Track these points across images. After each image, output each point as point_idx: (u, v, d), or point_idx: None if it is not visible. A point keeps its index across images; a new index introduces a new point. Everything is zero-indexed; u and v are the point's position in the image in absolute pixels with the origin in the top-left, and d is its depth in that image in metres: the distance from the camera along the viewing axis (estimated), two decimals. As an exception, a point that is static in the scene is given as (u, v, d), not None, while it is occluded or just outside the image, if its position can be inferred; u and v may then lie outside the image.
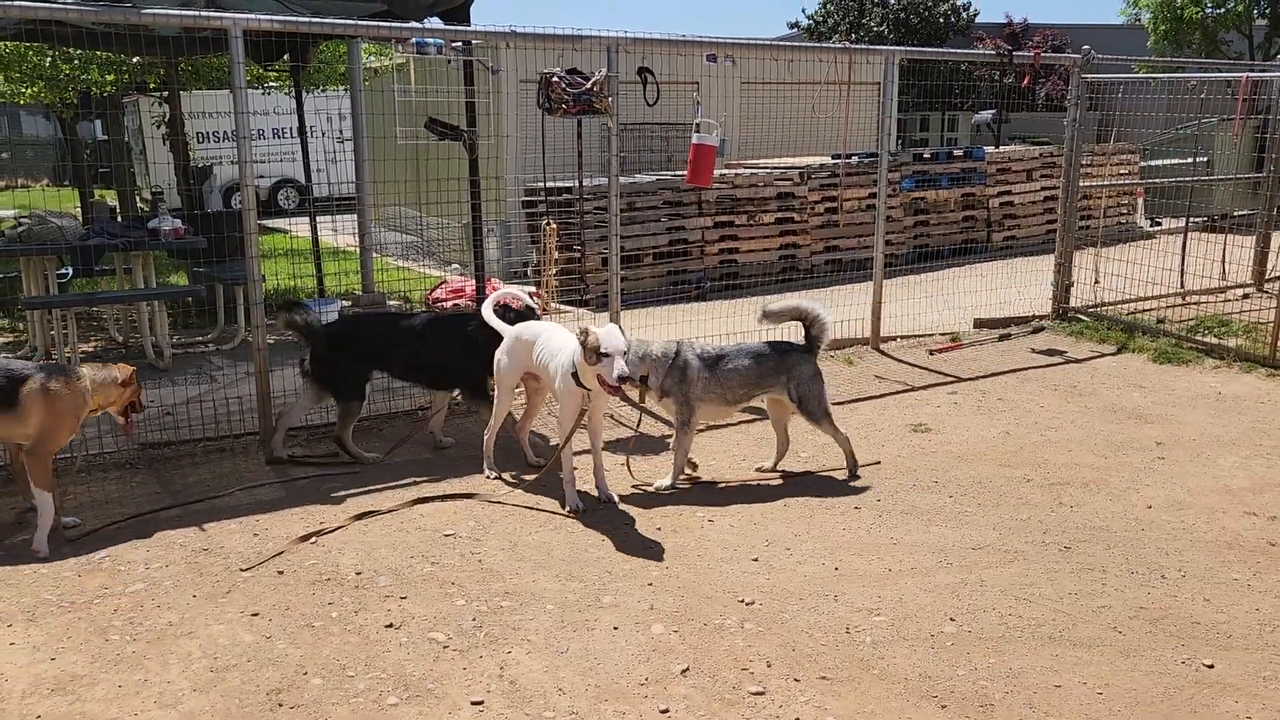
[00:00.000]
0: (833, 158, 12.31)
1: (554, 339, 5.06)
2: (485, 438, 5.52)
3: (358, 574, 4.27)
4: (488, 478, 5.42)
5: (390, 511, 4.95)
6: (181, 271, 11.15)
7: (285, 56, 9.10)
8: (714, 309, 9.33)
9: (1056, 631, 3.79)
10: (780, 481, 5.38)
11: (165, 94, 11.34)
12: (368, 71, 11.99)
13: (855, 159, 12.19)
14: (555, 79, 6.35)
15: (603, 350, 4.55)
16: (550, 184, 10.05)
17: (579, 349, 4.67)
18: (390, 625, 3.84)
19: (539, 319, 5.71)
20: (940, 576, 4.24)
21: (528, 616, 3.92)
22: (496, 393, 5.41)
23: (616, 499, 5.05)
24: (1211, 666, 3.54)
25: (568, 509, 4.93)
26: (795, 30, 34.26)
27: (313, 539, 4.61)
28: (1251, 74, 8.46)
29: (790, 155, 13.15)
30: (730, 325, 8.12)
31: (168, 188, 14.85)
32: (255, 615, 3.92)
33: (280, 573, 4.29)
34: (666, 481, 5.25)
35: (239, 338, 8.50)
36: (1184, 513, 4.88)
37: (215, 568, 4.34)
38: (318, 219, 10.01)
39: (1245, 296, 9.46)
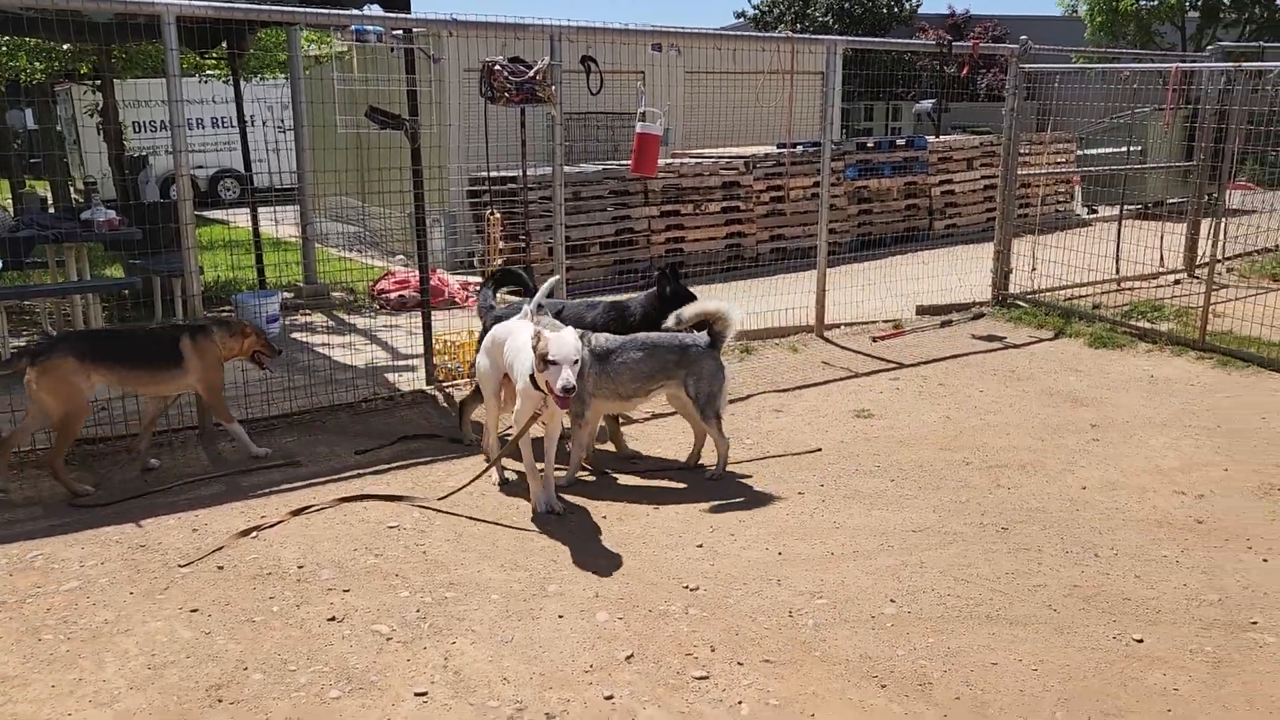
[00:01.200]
0: (778, 147, 12.40)
1: (519, 337, 4.85)
2: (485, 440, 5.33)
3: (300, 568, 4.23)
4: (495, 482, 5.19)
5: (324, 509, 4.90)
6: (117, 264, 10.90)
7: (223, 44, 8.93)
8: (661, 298, 9.35)
9: (994, 610, 3.87)
10: (727, 469, 5.41)
11: (98, 82, 11.05)
12: (308, 60, 11.78)
13: (800, 148, 12.28)
14: (498, 67, 6.30)
15: (550, 358, 4.38)
16: (495, 174, 9.98)
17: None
18: (333, 618, 3.81)
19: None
20: (881, 559, 4.31)
21: (472, 607, 3.91)
22: (484, 395, 5.22)
23: (559, 510, 4.80)
24: (1141, 641, 3.65)
25: (538, 508, 4.77)
26: (742, 20, 34.36)
27: (253, 533, 4.55)
28: (1181, 64, 8.67)
29: (736, 145, 13.21)
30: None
31: (102, 178, 14.51)
32: (194, 611, 3.86)
33: (220, 568, 4.23)
34: (564, 475, 5.18)
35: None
36: (1117, 493, 5.01)
37: (153, 564, 4.26)
38: (259, 210, 9.84)
39: (1177, 282, 9.73)
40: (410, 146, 6.46)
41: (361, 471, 5.37)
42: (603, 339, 5.17)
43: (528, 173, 7.54)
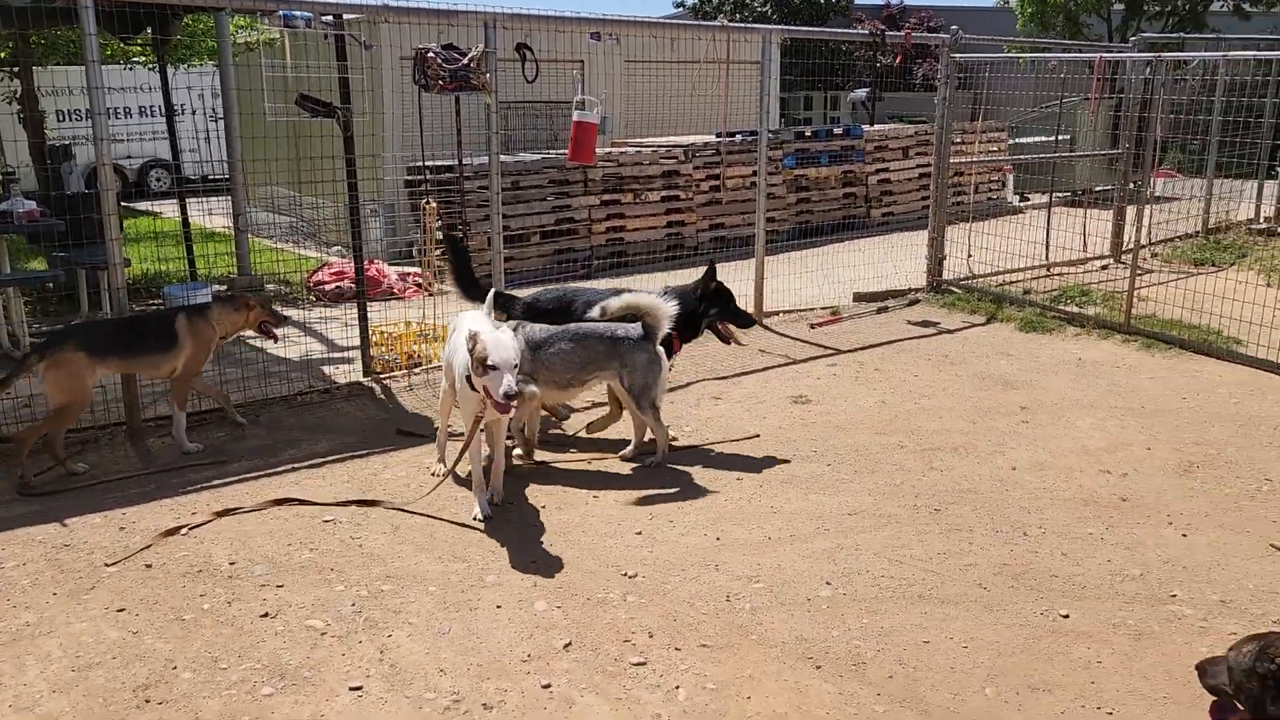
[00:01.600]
0: (716, 136, 12.44)
1: (460, 332, 4.68)
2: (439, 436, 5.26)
3: (231, 564, 4.15)
4: (433, 472, 5.10)
5: (251, 511, 4.81)
6: (40, 256, 10.57)
7: (147, 29, 8.68)
8: (600, 285, 9.35)
9: (926, 590, 3.95)
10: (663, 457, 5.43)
11: (16, 69, 10.67)
12: (239, 47, 11.50)
13: (738, 137, 12.33)
14: (431, 54, 6.23)
15: (490, 363, 4.18)
16: (432, 163, 9.88)
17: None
18: (266, 614, 3.75)
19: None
20: (818, 542, 4.36)
21: (409, 599, 3.88)
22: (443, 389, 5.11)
23: (486, 514, 4.61)
24: (1067, 616, 3.75)
25: (473, 515, 4.61)
26: (681, 9, 34.37)
27: (182, 531, 4.45)
28: (1106, 55, 8.87)
29: (676, 134, 13.23)
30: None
31: (23, 168, 14.03)
32: (121, 611, 3.77)
33: (148, 566, 4.14)
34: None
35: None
36: (1045, 473, 5.13)
37: (78, 564, 4.16)
38: (191, 200, 9.60)
39: (1104, 267, 9.97)
40: (343, 135, 6.36)
41: (296, 466, 5.29)
42: (537, 329, 5.14)
43: (466, 162, 7.49)
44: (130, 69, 16.13)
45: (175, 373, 5.45)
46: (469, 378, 4.38)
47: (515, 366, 4.25)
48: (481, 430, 4.62)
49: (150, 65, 12.82)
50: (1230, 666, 2.50)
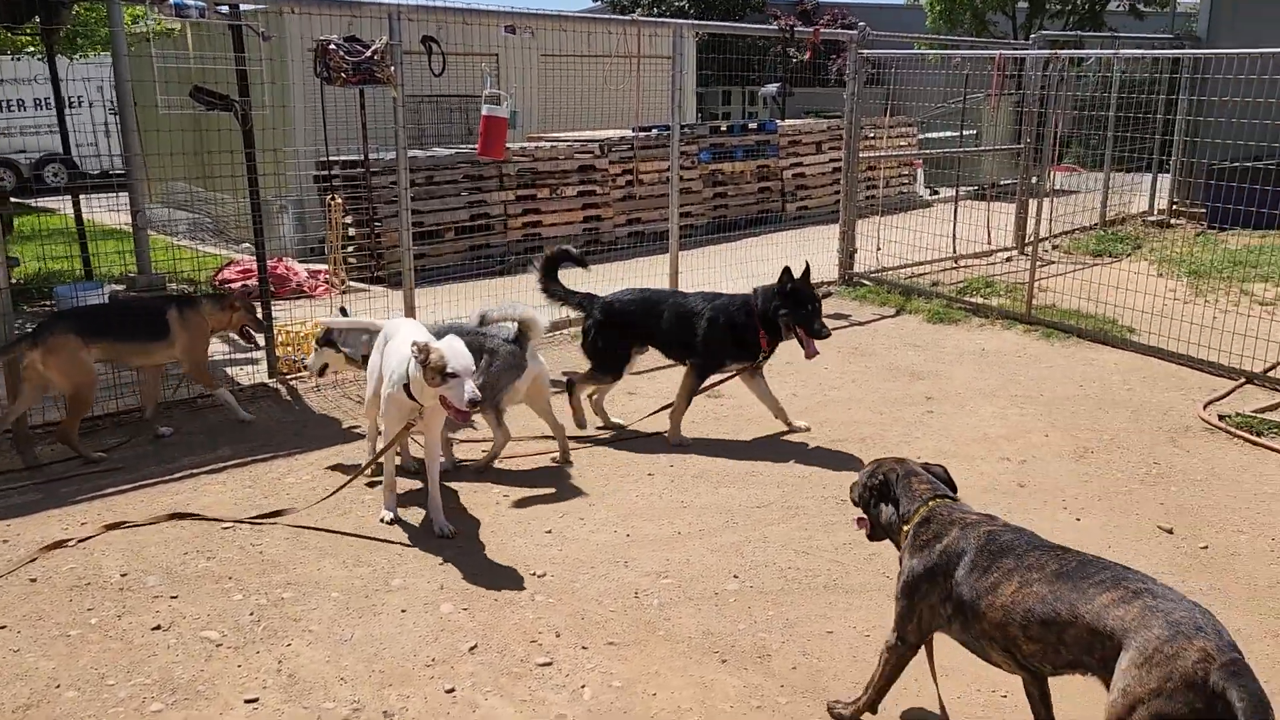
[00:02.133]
0: (633, 130, 12.43)
1: (401, 337, 4.49)
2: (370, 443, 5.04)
3: (123, 576, 4.00)
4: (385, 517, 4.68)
5: (142, 525, 4.65)
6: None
7: (35, 18, 8.30)
8: (517, 283, 9.26)
9: (831, 580, 4.00)
10: (578, 455, 5.41)
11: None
12: (134, 37, 11.09)
13: (654, 132, 12.35)
14: (333, 46, 6.09)
15: (450, 370, 4.04)
16: (341, 158, 9.67)
17: (414, 362, 4.16)
18: (158, 627, 3.62)
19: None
20: (726, 536, 4.39)
21: (310, 606, 3.79)
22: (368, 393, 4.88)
23: (450, 532, 4.39)
24: (966, 602, 3.83)
25: (380, 518, 4.50)
26: (599, 4, 34.28)
27: (70, 543, 4.27)
28: (1005, 52, 9.10)
29: (593, 128, 13.19)
30: (535, 298, 8.07)
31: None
32: (2, 628, 3.61)
33: (33, 580, 3.96)
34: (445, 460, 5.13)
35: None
36: (949, 461, 5.14)
37: (-44, 580, 3.96)
38: (90, 196, 9.22)
39: (1008, 259, 10.25)
40: (241, 129, 6.17)
41: (195, 472, 5.13)
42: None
43: (379, 156, 7.33)
44: (17, 59, 15.46)
45: (179, 363, 5.64)
46: (406, 386, 4.21)
47: (473, 373, 4.14)
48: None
49: (40, 56, 12.31)
50: (856, 484, 3.25)
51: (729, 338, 5.54)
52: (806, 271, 5.65)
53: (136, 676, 3.32)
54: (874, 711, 3.10)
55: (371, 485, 4.86)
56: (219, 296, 5.87)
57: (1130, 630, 2.32)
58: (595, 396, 5.93)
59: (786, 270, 5.62)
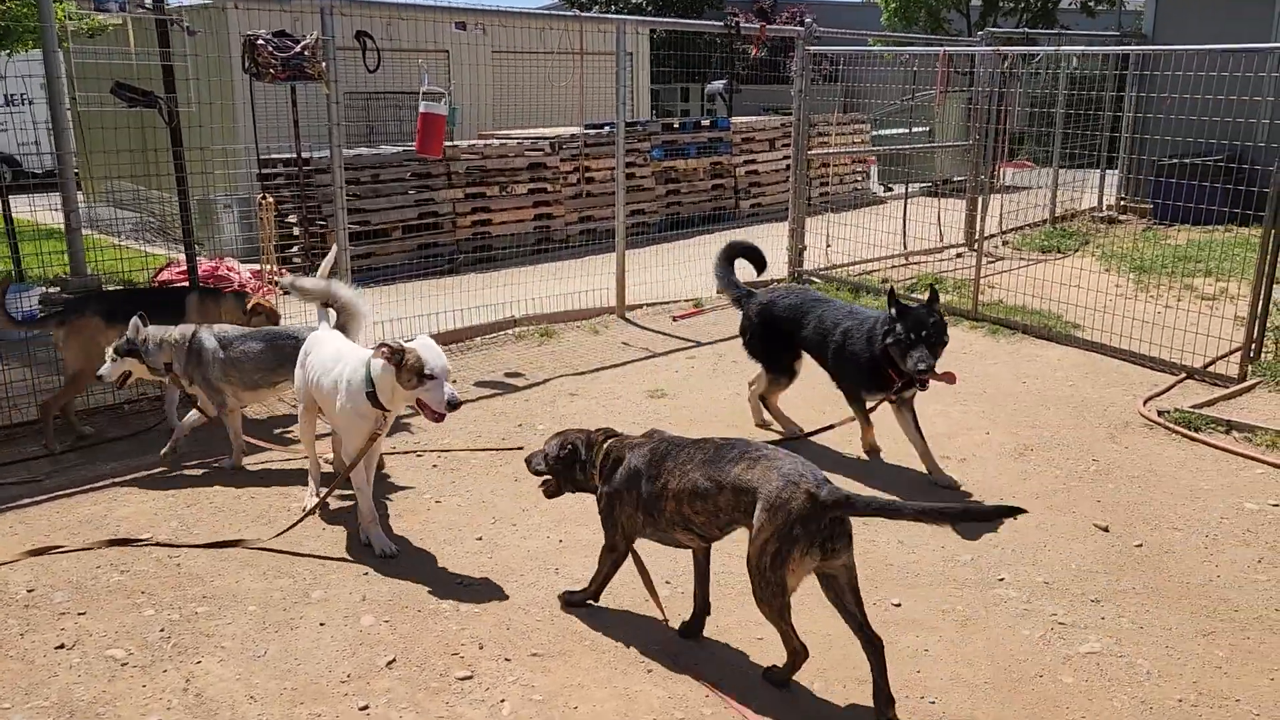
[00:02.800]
0: (585, 127, 12.32)
1: (326, 348, 4.34)
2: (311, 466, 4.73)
3: (30, 591, 3.84)
4: (305, 508, 4.51)
5: (77, 551, 4.48)
6: None
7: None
8: (466, 282, 9.13)
9: (764, 585, 3.92)
10: (515, 457, 5.30)
11: None
12: (74, 33, 10.79)
13: (605, 129, 12.25)
14: (260, 42, 5.93)
15: (429, 371, 3.83)
16: (283, 155, 9.47)
17: (380, 365, 3.92)
18: (61, 646, 3.47)
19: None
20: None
21: (225, 621, 3.65)
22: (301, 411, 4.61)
23: (393, 551, 4.17)
24: (899, 605, 3.78)
25: (378, 552, 4.16)
26: (558, 1, 34.10)
27: (-22, 557, 4.10)
28: (949, 49, 9.11)
29: (545, 125, 13.06)
30: (483, 298, 7.97)
31: None
32: (-105, 650, 3.44)
33: (-66, 598, 3.79)
34: (229, 461, 5.09)
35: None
36: (888, 461, 5.20)
37: None
38: (26, 195, 8.95)
39: (958, 256, 10.27)
40: (167, 126, 5.99)
41: (116, 481, 4.95)
42: (229, 329, 5.06)
43: (324, 155, 7.16)
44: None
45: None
46: (371, 394, 3.97)
47: (449, 373, 3.96)
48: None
49: (-28, 52, 11.95)
50: (544, 454, 3.71)
51: (858, 365, 5.05)
52: (892, 292, 5.02)
53: (34, 699, 3.17)
54: (596, 600, 3.76)
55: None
56: (242, 295, 5.83)
57: (758, 484, 3.12)
58: (769, 398, 5.71)
59: (890, 291, 5.07)
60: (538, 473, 3.77)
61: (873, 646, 3.11)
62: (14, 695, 3.19)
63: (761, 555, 3.08)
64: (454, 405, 3.88)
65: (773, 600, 3.11)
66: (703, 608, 3.60)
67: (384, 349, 3.90)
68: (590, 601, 3.76)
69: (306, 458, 4.73)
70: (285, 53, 5.92)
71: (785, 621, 3.17)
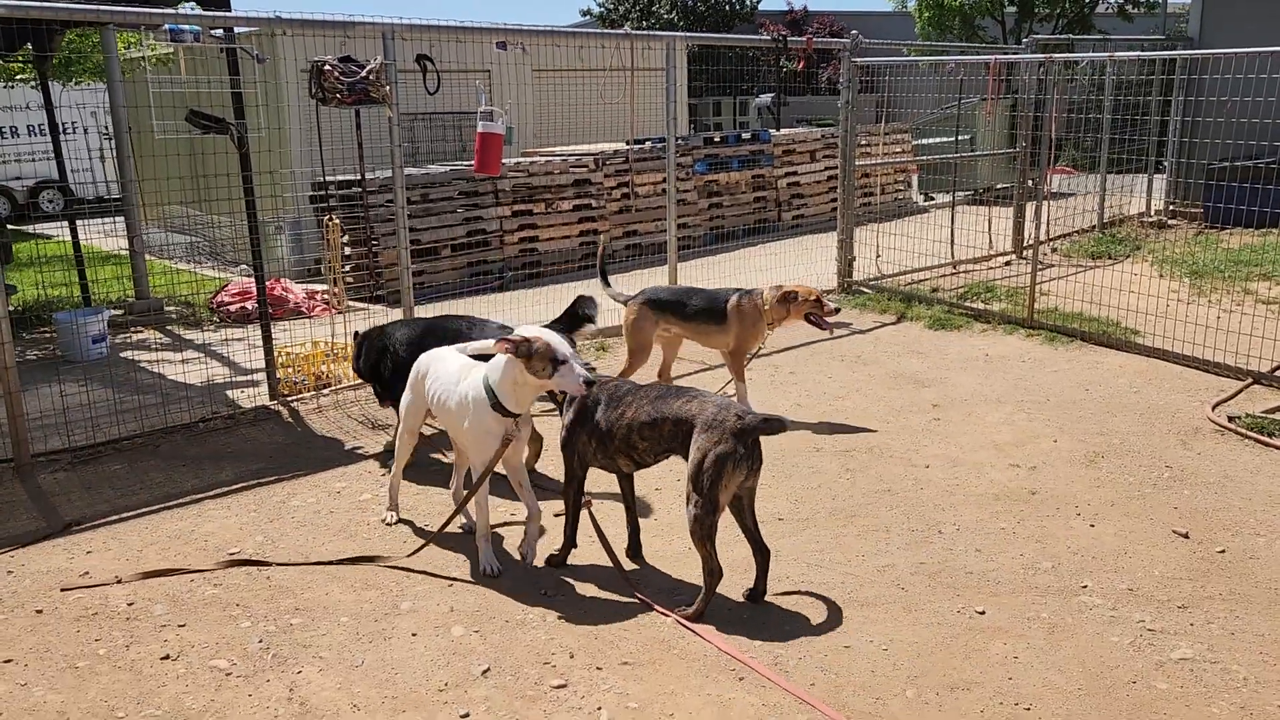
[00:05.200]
0: (627, 143, 12.42)
1: (446, 366, 4.33)
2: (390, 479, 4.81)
3: (130, 605, 3.95)
4: (386, 522, 4.69)
5: (196, 572, 4.60)
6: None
7: (27, 45, 8.30)
8: (516, 299, 9.23)
9: (845, 594, 3.96)
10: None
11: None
12: (127, 62, 11.09)
13: (649, 144, 12.34)
14: (328, 67, 6.07)
15: (559, 357, 3.86)
16: (338, 177, 9.64)
17: (507, 365, 3.92)
18: (166, 657, 3.57)
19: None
20: (737, 550, 4.32)
21: (320, 632, 3.74)
22: (399, 430, 4.65)
23: (497, 570, 4.18)
24: (983, 613, 3.79)
25: (482, 569, 4.17)
26: (588, 18, 34.38)
27: (117, 580, 4.21)
28: (1000, 57, 9.11)
29: (586, 142, 13.18)
30: (534, 314, 8.06)
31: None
32: (8, 662, 3.55)
33: (39, 611, 3.91)
34: None
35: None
36: (958, 469, 5.21)
37: (-40, 614, 3.91)
38: (87, 221, 9.20)
39: (1007, 264, 10.23)
40: (238, 151, 6.14)
41: (199, 497, 5.08)
42: None
43: (373, 175, 7.31)
44: (9, 87, 15.46)
45: (728, 347, 6.00)
46: (496, 404, 3.97)
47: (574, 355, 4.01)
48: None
49: (33, 83, 12.30)
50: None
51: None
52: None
53: (146, 708, 3.27)
54: (574, 543, 4.25)
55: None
56: (788, 293, 5.89)
57: (696, 414, 3.77)
58: None
59: None
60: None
61: (762, 554, 3.91)
62: (126, 704, 3.29)
63: (700, 471, 3.67)
64: (590, 383, 3.92)
65: (706, 518, 3.68)
66: (635, 528, 4.31)
67: (506, 344, 3.89)
68: (572, 549, 4.24)
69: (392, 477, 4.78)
70: (351, 77, 6.06)
71: (712, 543, 3.72)
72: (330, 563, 4.29)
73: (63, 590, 4.10)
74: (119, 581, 4.13)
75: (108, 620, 3.84)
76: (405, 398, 4.58)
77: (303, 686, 3.39)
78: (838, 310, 6.04)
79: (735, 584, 4.03)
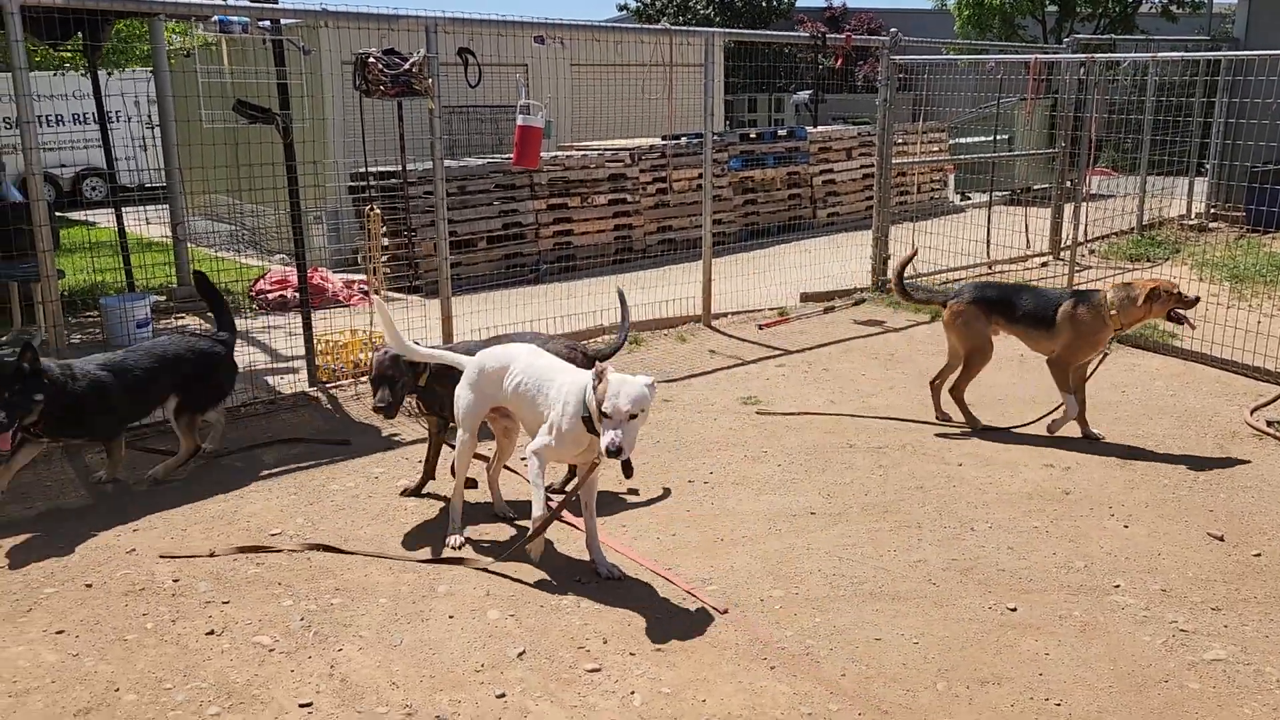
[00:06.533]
0: (662, 139, 12.47)
1: (539, 361, 4.18)
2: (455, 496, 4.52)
3: (175, 581, 4.06)
4: (452, 546, 4.36)
5: (279, 552, 4.71)
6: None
7: (77, 35, 8.47)
8: (551, 291, 9.32)
9: (877, 588, 3.99)
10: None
11: (-60, 76, 10.38)
12: (175, 52, 11.28)
13: (684, 140, 12.38)
14: (372, 60, 6.16)
15: (605, 410, 3.65)
16: (377, 168, 9.76)
17: (589, 388, 3.81)
18: (211, 632, 3.67)
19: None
20: (770, 543, 4.38)
21: (359, 612, 3.82)
22: (459, 436, 4.39)
23: (618, 574, 4.08)
24: (1015, 610, 3.81)
25: (603, 574, 4.07)
26: (624, 13, 34.43)
27: (211, 554, 4.33)
28: (1041, 56, 9.05)
29: (622, 137, 13.24)
30: (568, 306, 8.14)
31: (-50, 178, 13.58)
32: (60, 633, 3.67)
33: (89, 585, 4.02)
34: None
35: (37, 339, 7.88)
36: (991, 468, 5.21)
37: (14, 584, 4.03)
38: (128, 209, 9.38)
39: (1044, 264, 10.17)
40: (282, 141, 6.25)
41: (241, 479, 5.18)
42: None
43: (411, 167, 7.41)
44: (61, 75, 15.73)
45: (1052, 354, 5.59)
46: (587, 418, 3.82)
47: (633, 417, 3.69)
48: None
49: (82, 71, 12.52)
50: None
51: None
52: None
53: (193, 680, 3.36)
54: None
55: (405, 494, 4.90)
56: (1127, 285, 5.42)
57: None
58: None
59: None
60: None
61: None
62: (174, 676, 3.39)
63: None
64: (611, 453, 3.60)
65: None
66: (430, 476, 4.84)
67: (595, 372, 3.76)
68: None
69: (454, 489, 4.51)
70: (394, 70, 6.15)
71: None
72: (424, 561, 4.21)
73: (162, 557, 4.24)
74: (212, 555, 4.26)
75: (154, 595, 3.95)
76: (465, 399, 4.32)
77: (343, 664, 3.47)
78: (1197, 300, 5.43)
79: (765, 575, 4.07)
